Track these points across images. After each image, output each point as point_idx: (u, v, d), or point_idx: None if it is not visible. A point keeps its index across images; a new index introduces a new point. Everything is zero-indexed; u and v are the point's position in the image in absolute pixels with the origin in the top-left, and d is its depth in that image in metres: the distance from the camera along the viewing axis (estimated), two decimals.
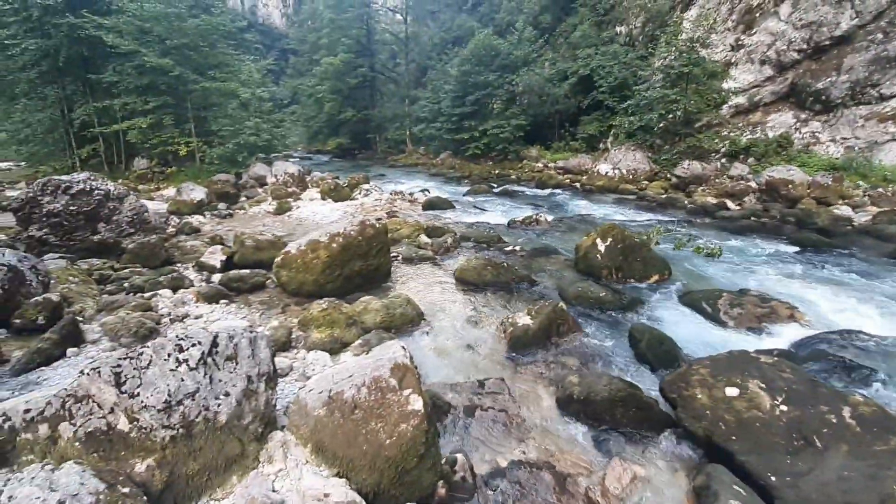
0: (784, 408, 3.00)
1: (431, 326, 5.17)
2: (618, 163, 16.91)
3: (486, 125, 23.03)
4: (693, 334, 5.11)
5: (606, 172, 16.73)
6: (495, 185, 18.19)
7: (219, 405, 2.52)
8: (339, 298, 5.97)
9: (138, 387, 2.31)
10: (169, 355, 2.51)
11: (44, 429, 2.19)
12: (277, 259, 6.27)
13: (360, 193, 13.83)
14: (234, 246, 7.42)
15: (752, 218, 11.17)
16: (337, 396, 2.56)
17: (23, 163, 21.93)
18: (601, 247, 6.58)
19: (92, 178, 7.08)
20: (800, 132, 14.51)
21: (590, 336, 4.85)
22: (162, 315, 5.07)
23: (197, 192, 12.35)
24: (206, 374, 2.58)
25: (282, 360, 4.00)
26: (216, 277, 6.53)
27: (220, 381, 2.62)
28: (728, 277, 7.06)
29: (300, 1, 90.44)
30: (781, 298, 5.66)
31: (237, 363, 2.82)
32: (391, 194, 14.13)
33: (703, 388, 3.28)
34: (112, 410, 2.24)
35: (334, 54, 31.12)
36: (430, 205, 12.91)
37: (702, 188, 14.53)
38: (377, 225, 6.60)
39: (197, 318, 5.18)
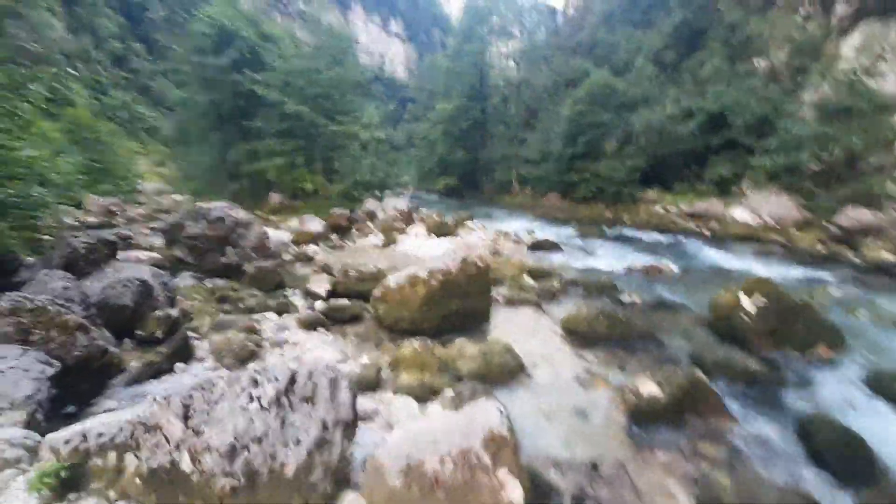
0: None
1: (533, 381, 4.52)
2: (758, 208, 14.70)
3: (598, 166, 21.98)
4: (892, 435, 3.75)
5: (743, 219, 14.60)
6: (607, 229, 16.94)
7: (287, 454, 2.21)
8: (433, 338, 5.64)
9: (205, 423, 2.09)
10: (242, 389, 2.29)
11: (112, 457, 2.06)
12: (376, 291, 6.17)
13: (463, 231, 13.74)
14: (338, 275, 7.58)
15: None
16: (416, 467, 2.10)
17: (189, 196, 26.20)
18: (749, 305, 5.37)
19: (227, 206, 7.86)
20: None
21: (739, 420, 3.78)
22: (264, 338, 5.16)
23: (315, 224, 13.31)
24: (278, 415, 2.31)
25: (366, 402, 3.68)
26: (319, 305, 6.64)
27: (293, 424, 2.32)
28: None
29: (421, 56, 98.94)
30: None
31: (314, 405, 2.52)
32: (495, 233, 13.81)
33: None
34: (178, 447, 2.04)
35: (449, 100, 32.79)
36: (536, 245, 12.28)
37: (873, 240, 11.83)
38: (479, 263, 6.21)
39: (294, 344, 5.19)
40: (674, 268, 9.82)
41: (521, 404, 4.03)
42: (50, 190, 7.35)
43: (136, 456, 2.02)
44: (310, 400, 2.54)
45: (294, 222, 15.15)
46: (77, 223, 12.89)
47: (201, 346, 4.77)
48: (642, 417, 3.70)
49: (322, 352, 5.03)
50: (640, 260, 10.82)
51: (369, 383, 4.14)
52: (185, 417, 2.09)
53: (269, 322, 5.76)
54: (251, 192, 20.30)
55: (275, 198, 19.34)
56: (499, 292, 7.19)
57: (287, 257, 9.73)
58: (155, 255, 9.10)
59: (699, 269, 10.16)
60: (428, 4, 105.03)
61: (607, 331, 5.65)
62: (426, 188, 40.49)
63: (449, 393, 3.84)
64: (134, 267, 4.95)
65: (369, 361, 4.38)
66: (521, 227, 17.16)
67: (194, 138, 21.74)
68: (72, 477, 2.12)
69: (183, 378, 4.17)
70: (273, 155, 18.38)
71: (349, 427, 2.63)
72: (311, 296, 7.13)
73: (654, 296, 7.66)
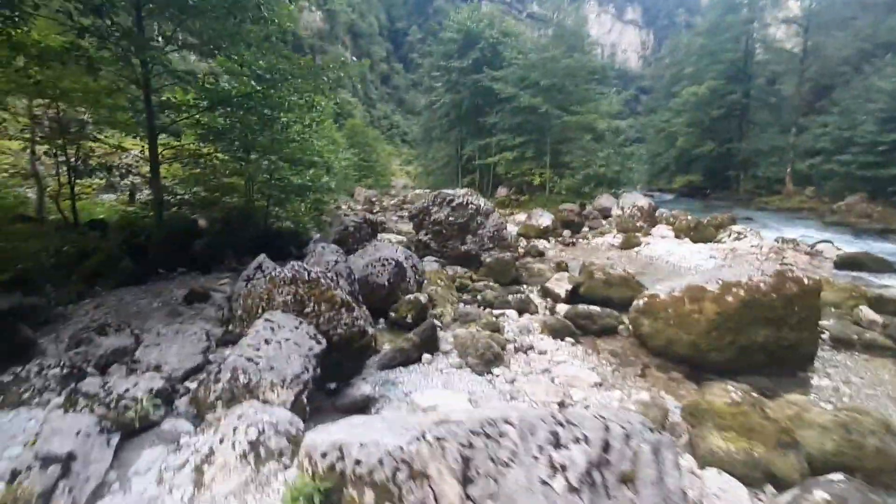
0: None
1: None
2: None
3: None
4: None
5: None
6: None
7: None
8: (724, 376, 4.06)
9: (490, 497, 1.31)
10: (540, 450, 1.44)
11: (369, 497, 1.46)
12: (638, 303, 4.86)
13: (727, 236, 10.89)
14: (580, 276, 6.52)
15: None
16: None
17: (428, 189, 29.41)
18: None
19: (469, 193, 7.71)
20: None
21: None
22: (508, 339, 4.52)
23: (544, 219, 12.58)
24: (589, 502, 1.38)
25: None
26: (561, 308, 5.73)
27: None
28: None
29: (660, 42, 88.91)
30: None
31: (636, 489, 1.52)
32: (777, 241, 10.49)
33: None
34: None
35: (699, 83, 27.79)
36: (849, 262, 8.71)
37: None
38: (805, 280, 4.22)
39: (541, 353, 4.37)
40: None
41: None
42: (334, 179, 8.47)
43: None
44: (630, 479, 1.55)
45: (521, 216, 14.81)
46: (349, 208, 15.36)
47: (445, 338, 4.40)
48: None
49: (574, 369, 4.07)
50: None
51: None
52: (464, 478, 1.36)
53: (510, 321, 5.13)
54: (480, 185, 21.15)
55: (502, 191, 19.59)
56: (824, 325, 4.92)
57: (520, 251, 9.21)
58: (402, 238, 9.81)
59: None
60: None
61: None
62: (659, 187, 35.69)
63: (815, 497, 2.30)
64: (390, 247, 4.97)
65: (650, 400, 3.17)
66: (806, 235, 12.85)
67: (435, 137, 23.98)
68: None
69: (430, 371, 3.81)
70: (504, 149, 18.58)
71: None
72: (550, 296, 6.29)
73: None
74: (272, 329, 2.67)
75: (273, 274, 3.16)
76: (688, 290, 4.48)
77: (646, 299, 4.81)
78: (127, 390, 2.53)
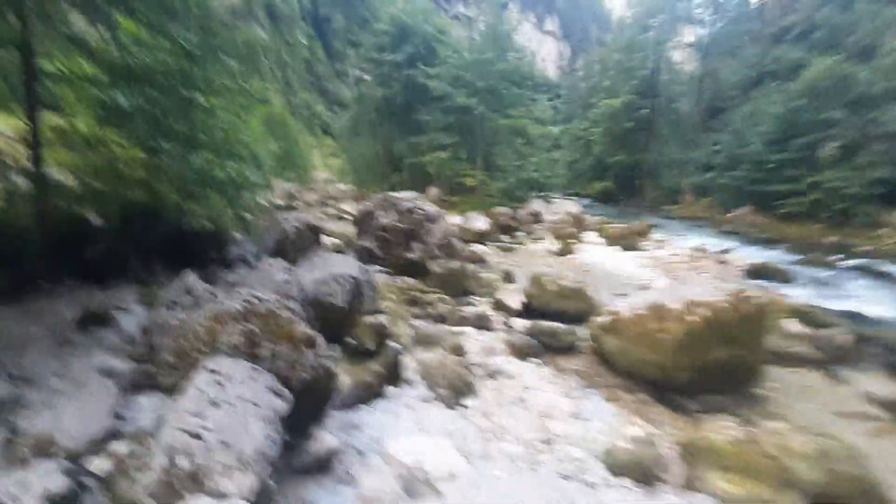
0: None
1: None
2: None
3: (821, 176, 17.41)
4: None
5: None
6: (841, 258, 13.01)
7: None
8: (687, 397, 4.13)
9: None
10: None
11: None
12: (600, 320, 4.81)
13: (650, 244, 11.61)
14: (532, 287, 6.40)
15: None
16: None
17: (353, 185, 28.17)
18: None
19: (417, 198, 7.26)
20: None
21: None
22: (474, 363, 4.18)
23: (480, 223, 12.49)
24: None
25: None
26: (517, 323, 5.53)
27: None
28: None
29: (575, 54, 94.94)
30: None
31: None
32: (693, 250, 11.37)
33: None
34: None
35: (615, 97, 29.86)
36: (757, 272, 9.64)
37: None
38: (759, 299, 4.41)
39: (510, 378, 4.10)
40: None
41: None
42: (263, 174, 7.53)
43: None
44: None
45: (455, 218, 14.60)
46: (269, 205, 14.04)
47: (408, 366, 3.94)
48: None
49: (547, 395, 3.85)
50: None
51: (644, 472, 2.79)
52: None
53: (471, 340, 4.79)
54: (410, 184, 20.63)
55: (433, 192, 19.26)
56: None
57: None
58: (337, 241, 9.07)
59: None
60: (588, 1, 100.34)
61: None
62: (576, 192, 37.84)
63: None
64: (342, 260, 4.35)
65: (644, 436, 3.01)
66: (709, 244, 14.20)
67: (363, 132, 23.00)
68: None
69: (397, 407, 3.33)
70: (436, 148, 18.26)
71: None
72: (503, 308, 6.07)
73: None
74: (220, 384, 2.05)
75: (215, 306, 2.47)
76: (651, 308, 4.48)
77: (609, 317, 4.75)
78: None
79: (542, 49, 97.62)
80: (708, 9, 33.40)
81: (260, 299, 2.51)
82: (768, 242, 16.45)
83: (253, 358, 2.31)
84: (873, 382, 4.58)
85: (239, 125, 6.44)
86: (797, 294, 8.57)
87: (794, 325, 5.75)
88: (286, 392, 2.24)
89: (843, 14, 24.29)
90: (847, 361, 5.12)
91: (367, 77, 21.66)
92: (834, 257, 13.05)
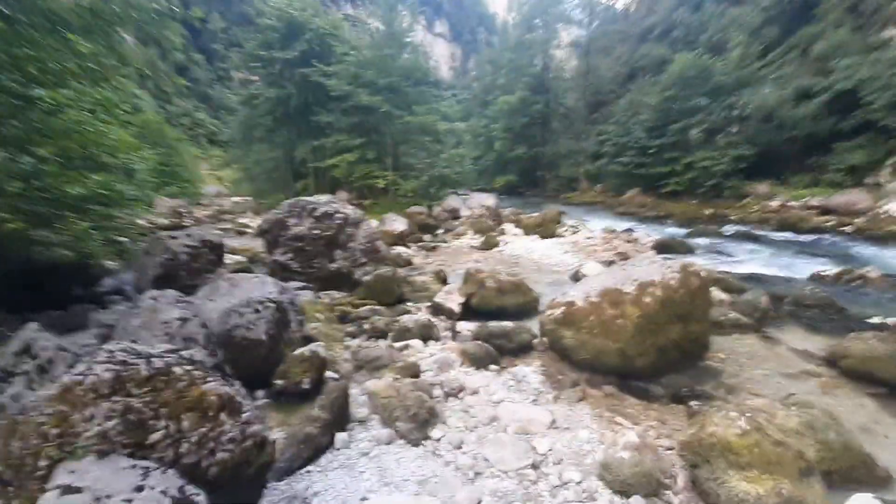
0: None
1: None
2: None
3: (693, 157, 19.53)
4: None
5: None
6: (721, 227, 14.62)
7: None
8: (650, 382, 3.98)
9: None
10: None
11: None
12: (554, 312, 4.50)
13: (565, 230, 11.92)
14: (469, 286, 5.98)
15: None
16: None
17: (250, 197, 25.71)
18: None
19: (333, 201, 6.45)
20: None
21: None
22: (432, 384, 3.60)
23: (398, 224, 11.88)
24: None
25: None
26: (465, 327, 5.06)
27: None
28: None
29: (466, 56, 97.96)
30: None
31: None
32: (604, 232, 11.89)
33: None
34: None
35: (511, 94, 31.00)
36: (663, 247, 10.28)
37: None
38: (702, 273, 4.41)
39: (474, 393, 3.59)
40: (873, 273, 7.62)
41: None
42: (139, 186, 6.20)
43: None
44: None
45: (371, 222, 13.82)
46: (150, 225, 12.06)
47: (355, 399, 3.25)
48: None
49: (518, 408, 3.40)
50: (806, 265, 8.77)
51: (652, 485, 2.46)
52: None
53: (420, 354, 4.21)
54: (316, 191, 19.29)
55: (342, 196, 18.20)
56: None
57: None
58: (240, 258, 7.88)
59: None
60: (473, 4, 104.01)
61: None
62: (481, 187, 38.79)
63: None
64: (255, 281, 3.48)
65: (640, 443, 2.67)
66: (612, 226, 15.15)
67: (257, 137, 21.05)
68: None
69: (352, 459, 2.64)
70: (342, 151, 17.25)
71: None
72: (442, 312, 5.56)
73: None
74: None
75: (69, 378, 1.57)
76: (605, 294, 4.27)
77: (563, 308, 4.47)
78: None
79: (434, 51, 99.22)
80: (584, 10, 36.05)
81: (141, 354, 1.67)
82: (658, 219, 18.07)
83: (138, 450, 1.50)
84: (802, 340, 4.86)
85: (99, 126, 5.14)
86: (702, 263, 9.27)
87: (717, 293, 6.02)
88: (198, 491, 1.48)
89: (695, 14, 27.62)
90: (772, 323, 5.44)
91: (253, 78, 19.80)
92: (714, 227, 14.63)
